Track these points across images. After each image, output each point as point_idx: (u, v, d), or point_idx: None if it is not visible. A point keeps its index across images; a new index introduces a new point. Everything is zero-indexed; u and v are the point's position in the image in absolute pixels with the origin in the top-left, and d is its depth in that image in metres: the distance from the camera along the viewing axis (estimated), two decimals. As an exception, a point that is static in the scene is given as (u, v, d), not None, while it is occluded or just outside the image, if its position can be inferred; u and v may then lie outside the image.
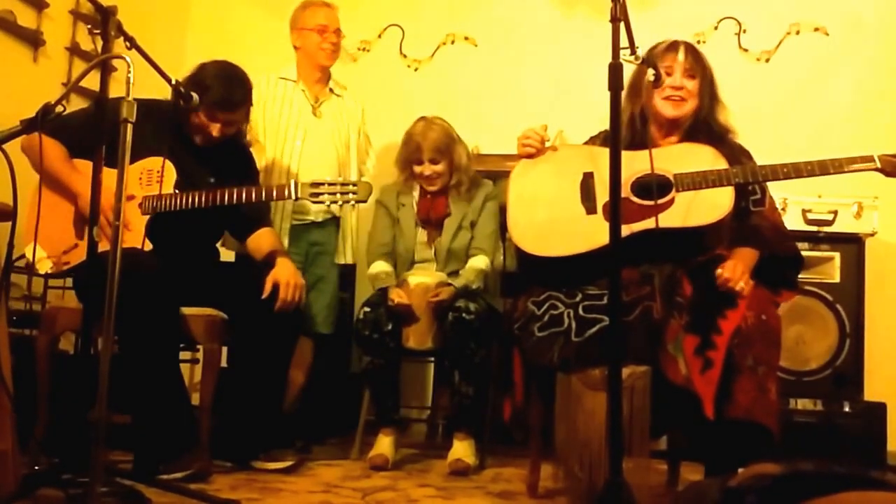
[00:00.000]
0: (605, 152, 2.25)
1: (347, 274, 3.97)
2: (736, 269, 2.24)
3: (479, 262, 3.27)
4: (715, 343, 2.16)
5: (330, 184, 2.75)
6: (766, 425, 2.18)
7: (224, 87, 2.86)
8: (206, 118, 2.88)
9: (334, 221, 3.55)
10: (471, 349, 3.05)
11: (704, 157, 2.39)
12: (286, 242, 3.34)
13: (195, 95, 2.73)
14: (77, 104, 3.42)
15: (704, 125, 2.55)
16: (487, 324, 3.08)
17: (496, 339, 3.09)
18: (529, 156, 2.55)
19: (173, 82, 2.53)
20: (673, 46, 2.55)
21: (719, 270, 2.24)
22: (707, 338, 2.16)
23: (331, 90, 3.59)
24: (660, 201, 2.31)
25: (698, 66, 2.55)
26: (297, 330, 3.04)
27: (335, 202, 2.78)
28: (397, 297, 3.09)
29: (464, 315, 3.05)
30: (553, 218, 2.44)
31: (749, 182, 2.38)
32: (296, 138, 3.45)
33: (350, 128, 3.59)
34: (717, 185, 2.32)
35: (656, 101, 2.52)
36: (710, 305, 2.21)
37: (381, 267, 3.30)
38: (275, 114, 3.47)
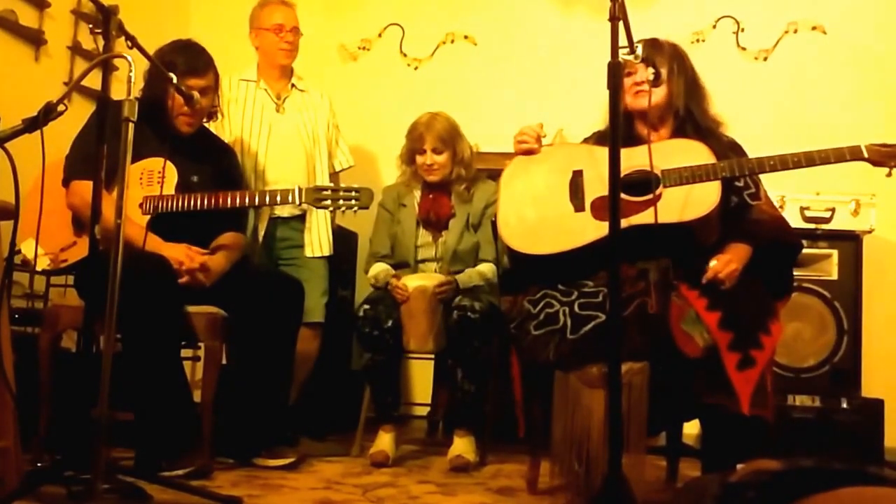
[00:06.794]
0: (597, 150, 2.26)
1: (347, 272, 3.99)
2: (729, 265, 2.25)
3: (485, 267, 3.28)
4: (761, 342, 2.14)
5: (333, 189, 2.78)
6: (763, 416, 2.17)
7: (186, 56, 2.88)
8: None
9: (300, 217, 3.50)
10: (474, 347, 3.06)
11: (693, 153, 2.38)
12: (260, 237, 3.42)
13: (196, 94, 2.74)
14: (78, 103, 3.43)
15: (690, 119, 2.52)
16: (490, 322, 3.09)
17: (497, 337, 3.11)
18: (526, 153, 2.56)
19: (174, 81, 2.55)
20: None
21: (713, 262, 2.25)
22: (749, 336, 2.14)
23: (293, 86, 3.58)
24: (649, 197, 2.31)
25: (658, 55, 2.49)
26: (297, 325, 3.04)
27: (339, 208, 2.78)
28: (399, 283, 3.10)
29: (469, 314, 3.05)
30: (541, 216, 2.44)
31: (736, 176, 2.36)
32: (260, 135, 3.45)
33: (317, 121, 3.57)
34: (705, 179, 2.31)
35: (626, 99, 2.46)
36: (751, 306, 2.20)
37: (379, 267, 3.32)
38: (238, 115, 3.46)
